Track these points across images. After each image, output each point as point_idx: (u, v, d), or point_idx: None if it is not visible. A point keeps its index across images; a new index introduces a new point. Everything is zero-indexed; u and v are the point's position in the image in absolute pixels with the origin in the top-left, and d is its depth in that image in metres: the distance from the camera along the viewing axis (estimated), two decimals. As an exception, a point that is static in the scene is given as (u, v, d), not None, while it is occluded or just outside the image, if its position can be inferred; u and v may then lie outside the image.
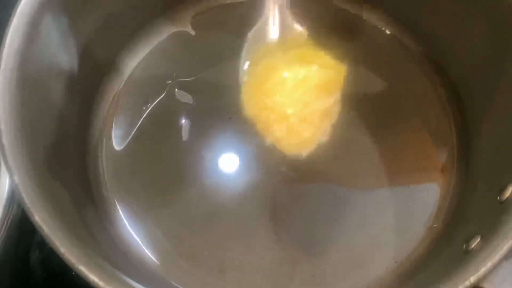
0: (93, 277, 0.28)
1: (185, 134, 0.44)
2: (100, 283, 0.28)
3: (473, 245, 0.33)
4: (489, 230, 0.32)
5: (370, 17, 0.48)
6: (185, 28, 0.48)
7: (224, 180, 0.42)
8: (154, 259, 0.40)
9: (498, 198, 0.35)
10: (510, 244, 0.30)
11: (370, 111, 0.45)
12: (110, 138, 0.44)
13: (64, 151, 0.39)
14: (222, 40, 0.47)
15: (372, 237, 0.41)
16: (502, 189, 0.35)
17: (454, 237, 0.39)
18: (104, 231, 0.40)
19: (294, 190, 0.42)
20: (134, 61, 0.46)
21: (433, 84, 0.46)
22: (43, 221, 0.29)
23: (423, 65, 0.47)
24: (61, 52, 0.38)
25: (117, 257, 0.38)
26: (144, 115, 0.44)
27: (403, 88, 0.46)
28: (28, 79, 0.34)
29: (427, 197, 0.43)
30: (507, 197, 0.34)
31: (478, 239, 0.33)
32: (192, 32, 0.48)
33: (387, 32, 0.48)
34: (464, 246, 0.34)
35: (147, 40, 0.47)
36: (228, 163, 0.43)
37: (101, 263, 0.31)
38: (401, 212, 0.42)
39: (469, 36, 0.42)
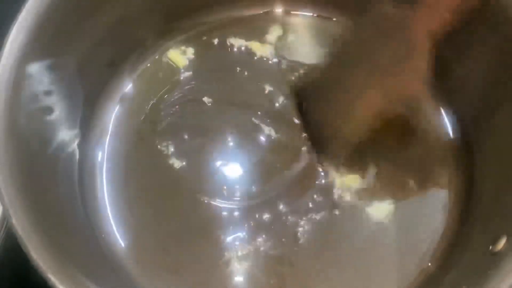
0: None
1: (182, 146, 0.43)
2: None
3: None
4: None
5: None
6: (190, 36, 0.47)
7: (218, 194, 0.41)
8: (138, 270, 0.39)
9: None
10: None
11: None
12: (104, 146, 0.43)
13: (55, 156, 0.38)
14: (225, 47, 0.46)
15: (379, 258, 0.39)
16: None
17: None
18: (91, 237, 0.39)
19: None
20: (136, 66, 0.45)
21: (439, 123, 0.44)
22: (19, 222, 0.29)
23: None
24: (61, 55, 0.37)
25: (97, 267, 0.36)
26: (143, 117, 0.44)
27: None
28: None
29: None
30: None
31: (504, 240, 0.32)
32: (197, 40, 0.47)
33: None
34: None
35: (151, 49, 0.46)
36: (223, 176, 0.42)
37: (73, 272, 0.30)
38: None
39: (475, 60, 0.40)
